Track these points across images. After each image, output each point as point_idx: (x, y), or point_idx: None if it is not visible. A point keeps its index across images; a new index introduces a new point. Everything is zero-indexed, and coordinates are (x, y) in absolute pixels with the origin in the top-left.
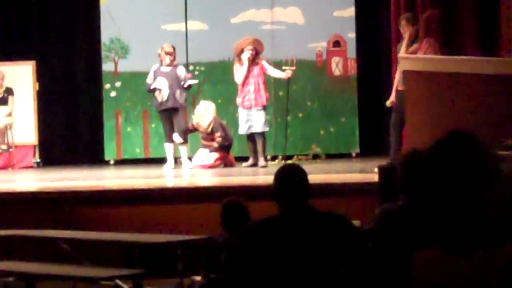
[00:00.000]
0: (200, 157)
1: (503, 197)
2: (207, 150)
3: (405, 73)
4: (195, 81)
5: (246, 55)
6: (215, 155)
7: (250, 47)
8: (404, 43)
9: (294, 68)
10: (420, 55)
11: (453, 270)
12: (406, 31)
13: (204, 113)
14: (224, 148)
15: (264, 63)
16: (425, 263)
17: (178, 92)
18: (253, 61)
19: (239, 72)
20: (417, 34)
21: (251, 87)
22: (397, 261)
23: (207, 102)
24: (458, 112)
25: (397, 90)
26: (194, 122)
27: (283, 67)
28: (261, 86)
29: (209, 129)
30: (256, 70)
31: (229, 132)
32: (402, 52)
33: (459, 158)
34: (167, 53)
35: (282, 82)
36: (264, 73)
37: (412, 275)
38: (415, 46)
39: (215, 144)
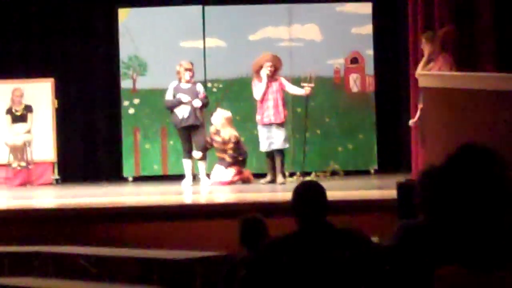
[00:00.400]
0: (218, 174)
1: None
2: (222, 167)
3: (423, 90)
4: (198, 104)
5: (265, 72)
6: (232, 170)
7: (269, 63)
8: (422, 61)
9: (312, 84)
10: (437, 71)
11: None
12: (426, 49)
13: (224, 122)
14: (239, 162)
15: (283, 79)
16: (447, 280)
17: (198, 109)
18: (272, 77)
19: (257, 88)
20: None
21: (270, 103)
22: (417, 278)
23: (224, 111)
24: (476, 128)
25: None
26: (213, 130)
27: (302, 84)
28: (280, 102)
29: (227, 138)
30: (275, 86)
31: (243, 145)
32: (419, 70)
33: (472, 171)
34: (186, 69)
35: (300, 98)
36: (283, 90)
37: None
38: (432, 64)
39: (227, 158)
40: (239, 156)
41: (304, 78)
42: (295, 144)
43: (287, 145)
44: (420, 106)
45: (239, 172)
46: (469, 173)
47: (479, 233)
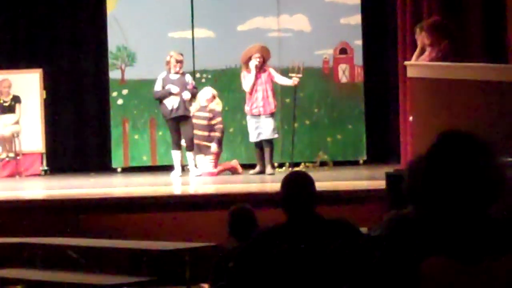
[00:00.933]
0: (204, 164)
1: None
2: (202, 155)
3: (411, 80)
4: (188, 96)
5: (253, 63)
6: (211, 157)
7: (257, 54)
8: (417, 51)
9: (300, 75)
10: (425, 62)
11: (461, 278)
12: (419, 39)
13: (211, 97)
14: (219, 145)
15: (271, 70)
16: (433, 271)
17: (188, 100)
18: (261, 68)
19: (246, 79)
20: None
21: (259, 95)
22: (405, 269)
23: (211, 88)
24: (464, 118)
25: None
26: (197, 107)
27: (290, 74)
28: (269, 93)
29: (218, 109)
30: (264, 77)
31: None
32: (413, 60)
33: (455, 158)
34: (178, 61)
35: (288, 89)
36: (272, 80)
37: (420, 283)
38: (425, 54)
39: (217, 134)
40: (222, 134)
41: (292, 69)
42: (284, 134)
43: (276, 135)
44: None
45: (218, 154)
46: (452, 161)
47: (466, 223)
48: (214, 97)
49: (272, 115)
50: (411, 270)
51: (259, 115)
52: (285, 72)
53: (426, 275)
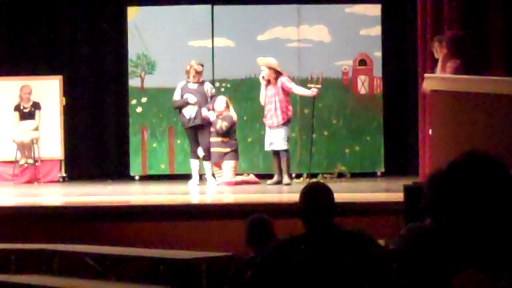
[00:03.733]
0: (221, 172)
1: None
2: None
3: (431, 93)
4: (212, 116)
5: (261, 75)
6: (229, 163)
7: (262, 67)
8: (439, 65)
9: (319, 86)
10: (445, 75)
11: None
12: (440, 53)
13: (226, 106)
14: (233, 153)
15: (285, 81)
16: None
17: (205, 109)
18: (269, 81)
19: (261, 92)
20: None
21: (269, 107)
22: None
23: (224, 97)
24: (483, 132)
25: None
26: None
27: (309, 85)
28: (277, 105)
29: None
30: (274, 89)
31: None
32: (438, 73)
33: (474, 178)
34: (197, 72)
35: (307, 99)
36: (283, 91)
37: None
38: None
39: (218, 125)
40: (228, 128)
41: (312, 79)
42: (302, 145)
43: (285, 146)
44: None
45: (236, 157)
46: (470, 180)
47: (488, 238)
48: (228, 105)
49: (283, 125)
50: (440, 284)
51: (271, 126)
52: (304, 83)
53: None
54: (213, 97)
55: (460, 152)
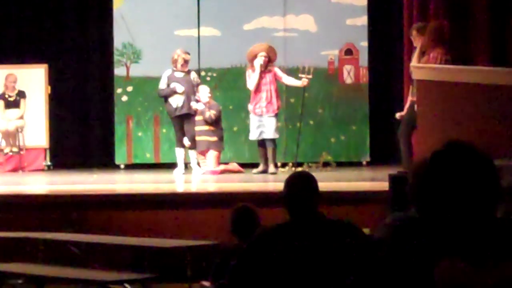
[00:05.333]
0: (206, 162)
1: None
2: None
3: (418, 82)
4: (200, 107)
5: (258, 62)
6: (213, 153)
7: (263, 53)
8: (416, 53)
9: (310, 76)
10: (432, 64)
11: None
12: (417, 42)
13: (211, 96)
14: (219, 142)
15: (277, 70)
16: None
17: (193, 97)
18: (266, 68)
19: (251, 78)
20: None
21: (263, 95)
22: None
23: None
24: (469, 121)
25: (410, 101)
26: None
27: (299, 75)
28: (273, 94)
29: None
30: (268, 77)
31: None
32: (414, 62)
33: (455, 167)
34: (185, 60)
35: (293, 89)
36: (277, 80)
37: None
38: (426, 57)
39: (206, 114)
40: (215, 118)
41: (302, 69)
42: (288, 134)
43: (277, 135)
44: (410, 98)
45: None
46: (453, 170)
47: (472, 226)
48: (210, 93)
49: (275, 115)
50: (422, 272)
51: (261, 115)
52: (290, 72)
53: (440, 278)
54: (198, 85)
55: (447, 139)
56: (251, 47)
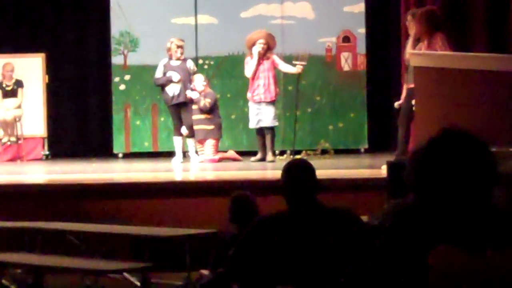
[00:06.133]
0: (204, 150)
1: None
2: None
3: (415, 69)
4: (195, 95)
5: (256, 49)
6: (211, 142)
7: (262, 40)
8: (410, 40)
9: (304, 63)
10: (430, 51)
11: (469, 267)
12: (412, 28)
13: (206, 84)
14: (217, 130)
15: (275, 57)
16: (441, 260)
17: (189, 86)
18: (264, 55)
19: (249, 65)
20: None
21: (261, 82)
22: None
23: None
24: (467, 108)
25: (406, 89)
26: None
27: (294, 62)
28: (271, 81)
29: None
30: (266, 64)
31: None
32: (409, 49)
33: (452, 154)
34: (178, 47)
35: (291, 76)
36: (275, 68)
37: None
38: (423, 44)
39: (201, 103)
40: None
41: (297, 56)
42: (286, 122)
43: (276, 123)
44: (405, 86)
45: (217, 136)
46: (449, 156)
47: (466, 215)
48: (207, 81)
49: (273, 102)
50: (418, 259)
51: (260, 102)
52: (288, 60)
53: (434, 264)
54: (194, 74)
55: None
56: (250, 34)
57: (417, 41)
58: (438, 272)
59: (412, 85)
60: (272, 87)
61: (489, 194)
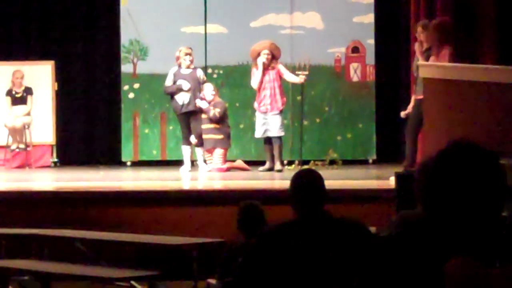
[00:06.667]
0: (213, 159)
1: None
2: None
3: (425, 80)
4: (204, 105)
5: (261, 60)
6: (220, 151)
7: (266, 51)
8: (419, 50)
9: (307, 72)
10: (439, 63)
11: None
12: (422, 39)
13: (215, 93)
14: (226, 140)
15: (281, 67)
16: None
17: (198, 95)
18: (269, 65)
19: (255, 76)
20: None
21: (267, 92)
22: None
23: (211, 84)
24: (476, 120)
25: (414, 99)
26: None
27: (297, 72)
28: (277, 91)
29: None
30: (272, 74)
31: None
32: (419, 60)
33: (461, 166)
34: (186, 54)
35: (299, 86)
36: (281, 78)
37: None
38: (433, 55)
39: (211, 113)
40: (219, 116)
41: (299, 66)
42: (294, 132)
43: (282, 133)
44: (413, 97)
45: (226, 145)
46: (458, 169)
47: (480, 225)
48: (216, 91)
49: (280, 112)
50: (434, 272)
51: (266, 112)
52: (295, 70)
53: (451, 277)
54: (204, 83)
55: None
56: (254, 46)
57: (426, 52)
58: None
59: (420, 96)
60: (278, 97)
61: (499, 206)
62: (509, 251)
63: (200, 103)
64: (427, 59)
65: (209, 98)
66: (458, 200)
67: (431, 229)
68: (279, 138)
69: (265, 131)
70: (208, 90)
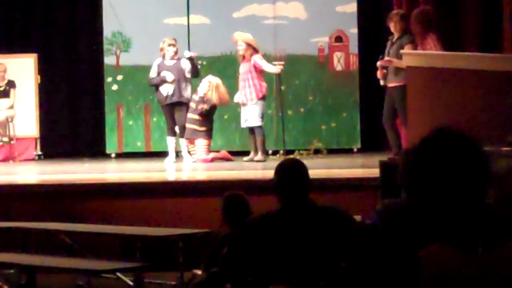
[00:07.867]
0: (196, 150)
1: (503, 194)
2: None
3: (408, 68)
4: (191, 54)
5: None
6: (202, 141)
7: (239, 43)
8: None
9: (283, 62)
10: (422, 51)
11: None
12: (394, 28)
13: (212, 86)
14: (207, 132)
15: (257, 58)
16: (434, 258)
17: (183, 85)
18: (244, 57)
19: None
20: (409, 31)
21: (241, 84)
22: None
23: (212, 77)
24: (459, 107)
25: (389, 87)
26: (197, 99)
27: (273, 62)
28: (251, 83)
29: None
30: (246, 66)
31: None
32: (406, 49)
33: (445, 154)
34: (170, 45)
35: (284, 77)
36: (256, 68)
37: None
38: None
39: (199, 106)
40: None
41: (275, 56)
42: (278, 122)
43: (259, 123)
44: (385, 84)
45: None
46: (441, 156)
47: (457, 214)
48: (211, 88)
49: (257, 102)
50: (410, 258)
51: (244, 103)
52: (272, 60)
53: (427, 263)
54: (192, 57)
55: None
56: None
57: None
58: (430, 271)
59: (393, 84)
60: (252, 88)
61: (482, 193)
62: (492, 238)
63: (188, 53)
64: (397, 50)
65: (202, 92)
66: (441, 187)
67: (414, 216)
68: (260, 128)
69: (245, 121)
70: (203, 85)
